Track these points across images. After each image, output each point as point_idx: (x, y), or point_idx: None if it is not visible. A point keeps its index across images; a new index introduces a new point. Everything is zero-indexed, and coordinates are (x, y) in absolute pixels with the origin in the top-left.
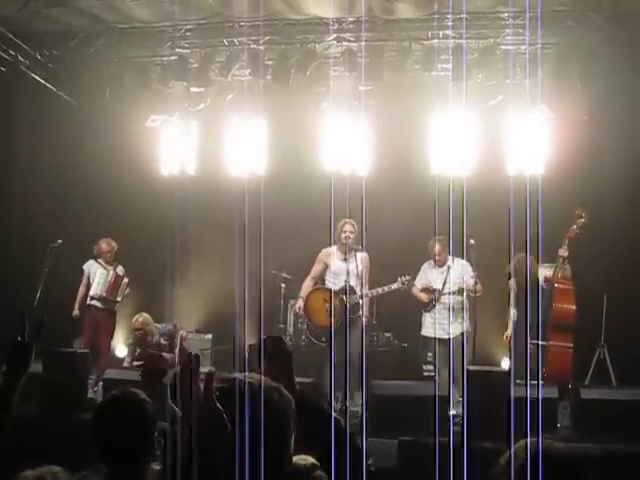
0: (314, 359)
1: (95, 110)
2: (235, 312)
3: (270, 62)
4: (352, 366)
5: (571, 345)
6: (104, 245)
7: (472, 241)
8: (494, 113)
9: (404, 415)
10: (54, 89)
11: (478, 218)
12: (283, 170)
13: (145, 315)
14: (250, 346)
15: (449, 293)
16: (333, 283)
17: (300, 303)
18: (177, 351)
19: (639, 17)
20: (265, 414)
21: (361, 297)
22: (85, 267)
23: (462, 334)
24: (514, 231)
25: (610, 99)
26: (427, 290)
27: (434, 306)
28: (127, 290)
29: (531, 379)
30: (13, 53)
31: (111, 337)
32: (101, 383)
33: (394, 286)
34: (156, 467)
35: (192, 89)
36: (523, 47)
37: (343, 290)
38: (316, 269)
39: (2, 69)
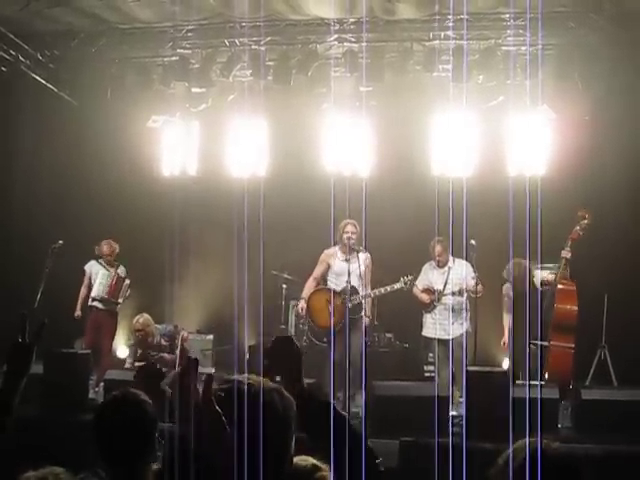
0: (315, 360)
1: (96, 110)
2: (236, 313)
3: (271, 63)
4: (353, 367)
5: (572, 345)
6: (106, 247)
7: (473, 242)
8: (495, 114)
9: (405, 416)
10: (55, 89)
11: (479, 219)
12: (284, 171)
13: (146, 316)
14: (250, 347)
15: (450, 294)
16: (335, 284)
17: (302, 304)
18: (178, 352)
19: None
20: (266, 415)
21: (363, 297)
22: (87, 268)
23: (463, 335)
24: (514, 232)
25: (611, 100)
26: (428, 291)
27: (435, 307)
28: (128, 292)
29: (532, 380)
30: (14, 53)
31: (112, 338)
32: (102, 384)
33: (397, 286)
34: (156, 467)
35: (193, 90)
36: (524, 48)
37: (345, 290)
38: (318, 270)
39: (3, 69)
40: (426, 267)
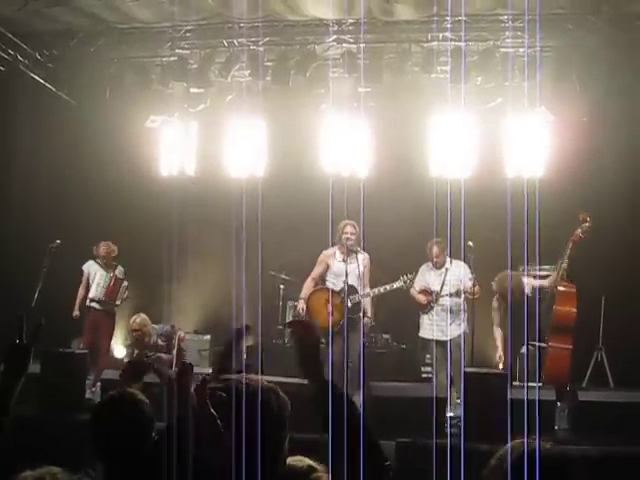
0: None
1: (95, 110)
2: (233, 313)
3: (270, 63)
4: (352, 367)
5: (570, 347)
6: (104, 248)
7: (470, 243)
8: (493, 115)
9: (402, 417)
10: (54, 89)
11: (476, 220)
12: (282, 171)
13: (143, 316)
14: (247, 347)
15: (447, 295)
16: (334, 284)
17: (302, 304)
18: (175, 352)
19: (637, 19)
20: (261, 415)
21: (363, 296)
22: (85, 268)
23: (460, 336)
24: (512, 234)
25: (609, 101)
26: (425, 292)
27: (432, 308)
28: (126, 293)
29: (529, 381)
30: (12, 53)
31: (110, 338)
32: (99, 384)
33: (396, 285)
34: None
35: (192, 90)
36: (522, 50)
37: (344, 290)
38: (317, 270)
39: (1, 69)
40: (423, 268)
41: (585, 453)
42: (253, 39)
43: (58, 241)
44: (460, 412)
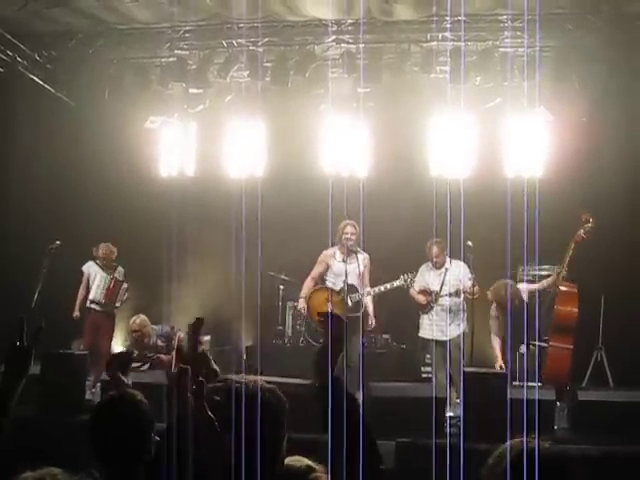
0: (312, 361)
1: (94, 111)
2: (233, 314)
3: (269, 64)
4: (352, 367)
5: (571, 347)
6: (104, 250)
7: (470, 243)
8: (492, 115)
9: (402, 417)
10: (53, 90)
11: (476, 220)
12: (282, 172)
13: (142, 317)
14: (247, 348)
15: (447, 295)
16: (333, 284)
17: (303, 303)
18: (174, 353)
19: (637, 19)
20: (259, 415)
21: (363, 295)
22: (85, 269)
23: (460, 336)
24: (511, 234)
25: (609, 101)
26: (425, 292)
27: (432, 308)
28: (126, 295)
29: (529, 381)
30: (11, 54)
31: (110, 339)
32: (99, 385)
33: (396, 283)
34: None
35: (191, 90)
36: (521, 50)
37: (344, 290)
38: (317, 270)
39: (0, 70)
40: (423, 268)
41: (585, 452)
42: (252, 40)
43: (58, 242)
44: (460, 412)
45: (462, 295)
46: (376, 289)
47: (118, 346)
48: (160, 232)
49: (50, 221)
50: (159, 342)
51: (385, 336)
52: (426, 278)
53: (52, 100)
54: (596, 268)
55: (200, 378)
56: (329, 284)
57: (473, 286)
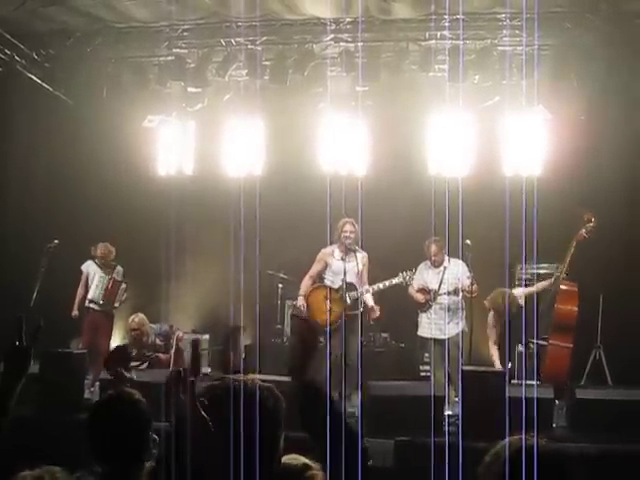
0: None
1: (92, 110)
2: (232, 313)
3: (267, 62)
4: (351, 366)
5: (570, 346)
6: (102, 250)
7: (468, 242)
8: (491, 114)
9: (401, 415)
10: (51, 89)
11: (475, 218)
12: (280, 170)
13: (141, 315)
14: (246, 346)
15: (445, 293)
16: (332, 282)
17: (302, 301)
18: (172, 352)
19: (636, 18)
20: (256, 414)
21: (361, 293)
22: (83, 268)
23: (458, 334)
24: (510, 232)
25: (607, 99)
26: (423, 290)
27: (430, 306)
28: (124, 295)
29: (528, 379)
30: (9, 52)
31: (109, 338)
32: (98, 383)
33: (395, 280)
34: (150, 466)
35: (189, 89)
36: (520, 48)
37: (343, 288)
38: (315, 268)
39: None
40: (421, 267)
41: (583, 451)
42: (251, 38)
43: (56, 241)
44: (458, 410)
45: (461, 294)
46: (374, 287)
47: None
48: (158, 231)
49: (48, 220)
50: (157, 341)
51: (384, 335)
52: (425, 277)
53: (50, 99)
54: (594, 267)
55: (191, 379)
56: (327, 282)
57: (471, 285)
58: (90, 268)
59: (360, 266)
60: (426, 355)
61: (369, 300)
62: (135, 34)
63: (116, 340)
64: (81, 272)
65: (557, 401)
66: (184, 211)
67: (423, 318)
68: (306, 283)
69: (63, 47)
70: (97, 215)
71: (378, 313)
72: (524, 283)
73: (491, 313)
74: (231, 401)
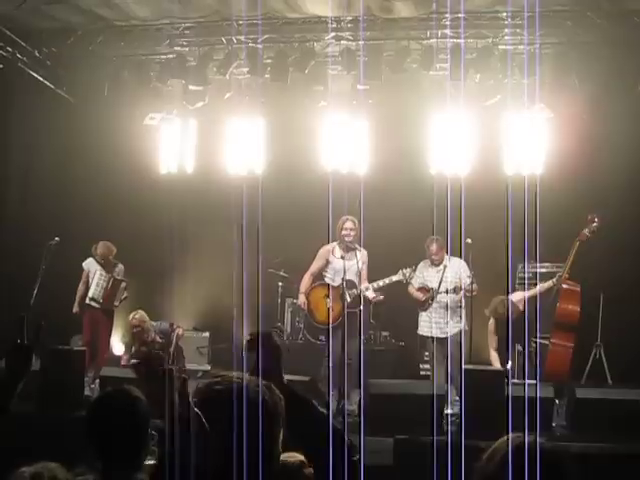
0: (311, 357)
1: (93, 108)
2: (233, 310)
3: (268, 60)
4: (350, 364)
5: (572, 345)
6: (103, 249)
7: (469, 240)
8: (492, 112)
9: (401, 414)
10: (52, 86)
11: (475, 217)
12: (281, 169)
13: (141, 312)
14: (249, 342)
15: (445, 292)
16: (332, 279)
17: (303, 299)
18: (172, 349)
19: (637, 16)
20: (255, 412)
21: (361, 291)
22: (85, 265)
23: (458, 333)
24: (512, 230)
25: (609, 98)
26: (423, 289)
27: (430, 305)
28: (125, 294)
29: (529, 378)
30: (11, 50)
31: (109, 335)
32: (98, 381)
33: (395, 278)
34: (150, 462)
35: (190, 87)
36: (521, 47)
37: (343, 286)
38: (316, 265)
39: (0, 66)
40: (421, 265)
41: (582, 450)
42: (252, 36)
43: (57, 238)
44: (458, 409)
45: (461, 292)
46: (374, 284)
47: (117, 342)
48: (159, 229)
49: (49, 217)
50: (157, 338)
51: (384, 333)
52: (425, 275)
53: (51, 97)
54: (595, 266)
55: (183, 375)
56: (327, 280)
57: (472, 283)
58: (91, 266)
59: (360, 264)
60: (426, 354)
61: (369, 293)
62: (136, 32)
63: (117, 337)
64: (82, 269)
65: (557, 400)
66: (185, 209)
67: (423, 317)
68: (306, 281)
69: (65, 45)
70: (98, 212)
71: (381, 297)
72: (526, 282)
73: (491, 320)
74: (232, 399)
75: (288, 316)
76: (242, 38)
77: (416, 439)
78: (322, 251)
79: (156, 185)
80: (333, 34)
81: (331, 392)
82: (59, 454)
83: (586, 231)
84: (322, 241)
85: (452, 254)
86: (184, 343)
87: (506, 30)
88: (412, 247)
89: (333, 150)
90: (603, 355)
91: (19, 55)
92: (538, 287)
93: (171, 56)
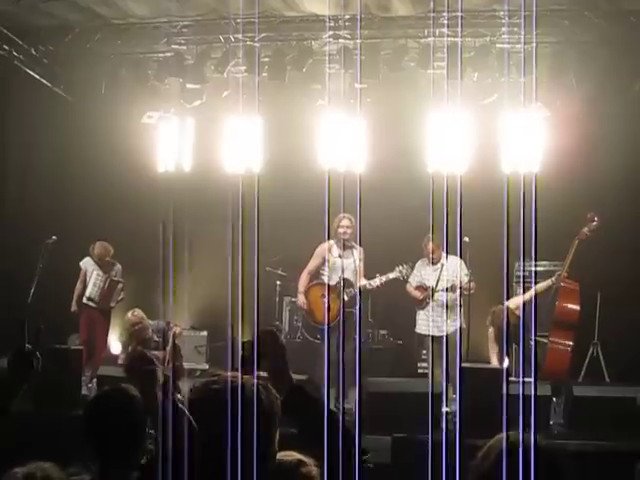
0: (309, 356)
1: (91, 106)
2: (229, 309)
3: (266, 59)
4: (347, 363)
5: (571, 344)
6: (100, 249)
7: (466, 239)
8: (490, 111)
9: (398, 412)
10: (49, 85)
11: (473, 216)
12: (279, 167)
13: (138, 310)
14: (244, 343)
15: (443, 290)
16: (329, 277)
17: (302, 298)
18: (169, 348)
19: (634, 16)
20: (251, 410)
21: (359, 289)
22: (82, 265)
23: (456, 331)
24: (508, 229)
25: (606, 98)
26: (421, 288)
27: (428, 303)
28: (121, 295)
29: (527, 376)
30: (7, 48)
31: (107, 334)
32: (95, 380)
33: (392, 275)
34: (147, 461)
35: (188, 85)
36: (519, 45)
37: (340, 285)
38: (313, 263)
39: None
40: (419, 264)
41: (580, 448)
42: (249, 35)
43: (54, 237)
44: (456, 407)
45: (458, 291)
46: (372, 282)
47: (115, 341)
48: (157, 227)
49: (46, 216)
50: (155, 337)
51: (382, 332)
52: (422, 274)
53: (48, 95)
54: (592, 264)
55: (166, 374)
56: (324, 278)
57: (469, 282)
58: (88, 265)
59: (357, 262)
60: (424, 352)
61: (370, 282)
62: (134, 30)
63: (114, 336)
64: (80, 268)
65: (554, 398)
66: (183, 207)
67: (421, 315)
68: (304, 279)
69: (62, 43)
70: (96, 210)
71: (383, 279)
72: (522, 282)
73: (491, 329)
74: (227, 398)
75: (286, 315)
76: (240, 36)
77: (414, 437)
78: (319, 249)
79: (154, 183)
80: (331, 32)
81: (329, 391)
82: (56, 453)
83: (585, 230)
84: (320, 239)
85: (449, 252)
86: (182, 342)
87: (504, 29)
88: (409, 245)
89: (331, 148)
90: (600, 353)
91: (16, 53)
92: (533, 289)
93: (169, 54)
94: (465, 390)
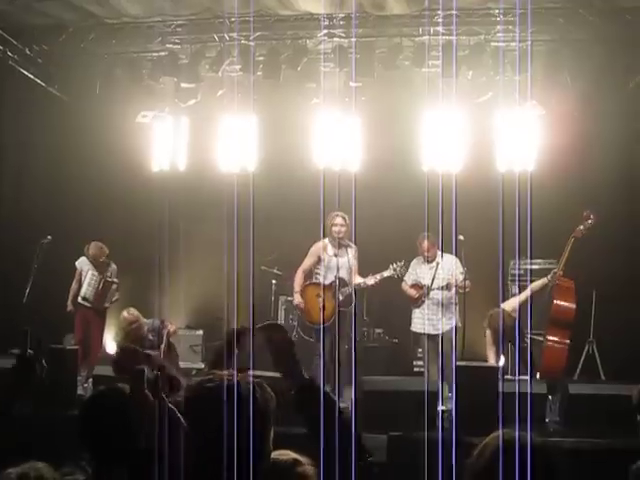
0: (305, 355)
1: (85, 105)
2: (224, 309)
3: (261, 58)
4: (343, 362)
5: (567, 342)
6: (95, 250)
7: (461, 237)
8: (484, 110)
9: (394, 410)
10: (44, 84)
11: (468, 214)
12: (274, 166)
13: (133, 309)
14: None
15: (438, 289)
16: (324, 276)
17: (298, 298)
18: (163, 347)
19: (629, 13)
20: (246, 409)
21: (353, 287)
22: (78, 264)
23: (451, 330)
24: (503, 227)
25: (600, 96)
26: (416, 286)
27: (423, 302)
28: (116, 296)
29: (521, 374)
30: (1, 48)
31: (102, 334)
32: (91, 380)
33: (386, 274)
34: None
35: (182, 85)
36: (513, 44)
37: (335, 284)
38: (308, 262)
39: None
40: (414, 262)
41: (575, 446)
42: (244, 34)
43: (49, 236)
44: (451, 406)
45: (453, 289)
46: (366, 280)
47: (110, 341)
48: (152, 227)
49: (42, 216)
50: (150, 336)
51: (377, 330)
52: (418, 272)
53: (43, 95)
54: (588, 262)
55: (155, 371)
56: (319, 277)
57: (464, 280)
58: (83, 265)
59: (352, 261)
60: (419, 350)
61: (366, 280)
62: (128, 30)
63: (109, 335)
64: (75, 268)
65: (550, 396)
66: (178, 206)
67: (416, 313)
68: (299, 277)
69: (56, 43)
70: (91, 210)
71: (377, 278)
72: (517, 280)
73: (488, 332)
74: (222, 397)
75: (282, 314)
76: (234, 35)
77: (409, 435)
78: (314, 248)
79: (149, 183)
80: (325, 31)
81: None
82: (51, 453)
83: (581, 228)
84: (315, 238)
85: (445, 251)
86: (177, 341)
87: (498, 27)
88: (404, 244)
89: (325, 147)
90: (596, 351)
91: (10, 53)
92: (529, 288)
93: (163, 54)
94: (461, 388)
